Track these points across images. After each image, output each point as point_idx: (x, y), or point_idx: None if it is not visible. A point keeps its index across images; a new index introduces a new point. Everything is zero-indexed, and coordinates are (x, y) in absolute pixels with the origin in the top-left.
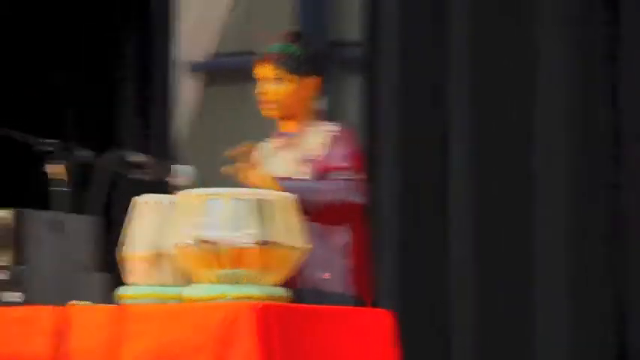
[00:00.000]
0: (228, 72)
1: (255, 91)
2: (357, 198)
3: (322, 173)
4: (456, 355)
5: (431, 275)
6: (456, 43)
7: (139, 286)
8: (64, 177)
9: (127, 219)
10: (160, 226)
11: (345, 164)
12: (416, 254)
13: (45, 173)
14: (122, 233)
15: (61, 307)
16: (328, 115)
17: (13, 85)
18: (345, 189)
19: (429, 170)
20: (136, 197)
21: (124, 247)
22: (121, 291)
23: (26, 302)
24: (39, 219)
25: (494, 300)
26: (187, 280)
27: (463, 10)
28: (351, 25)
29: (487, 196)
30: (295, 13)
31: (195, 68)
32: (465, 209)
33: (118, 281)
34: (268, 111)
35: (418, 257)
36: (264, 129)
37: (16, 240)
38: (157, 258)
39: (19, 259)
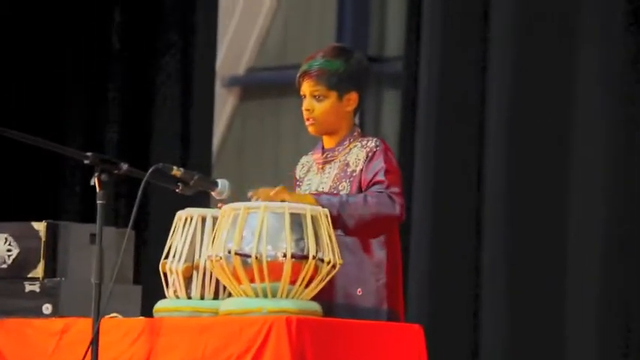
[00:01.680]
0: (263, 86)
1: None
2: (392, 212)
3: (360, 188)
4: None
5: (461, 290)
6: (496, 64)
7: (176, 299)
8: (101, 189)
9: (170, 232)
10: (199, 240)
11: (381, 179)
12: (447, 268)
13: (86, 185)
14: (166, 246)
15: (94, 320)
16: (366, 130)
17: (50, 96)
18: (380, 203)
19: (463, 186)
20: (179, 211)
21: (164, 260)
22: (158, 304)
23: (59, 314)
24: (73, 231)
25: (525, 317)
26: (224, 294)
27: (503, 32)
28: (389, 40)
29: (521, 213)
30: (336, 29)
31: (232, 82)
32: (499, 226)
33: (154, 294)
34: (309, 128)
35: (449, 272)
36: (298, 143)
37: (49, 252)
38: (195, 271)
39: (52, 271)
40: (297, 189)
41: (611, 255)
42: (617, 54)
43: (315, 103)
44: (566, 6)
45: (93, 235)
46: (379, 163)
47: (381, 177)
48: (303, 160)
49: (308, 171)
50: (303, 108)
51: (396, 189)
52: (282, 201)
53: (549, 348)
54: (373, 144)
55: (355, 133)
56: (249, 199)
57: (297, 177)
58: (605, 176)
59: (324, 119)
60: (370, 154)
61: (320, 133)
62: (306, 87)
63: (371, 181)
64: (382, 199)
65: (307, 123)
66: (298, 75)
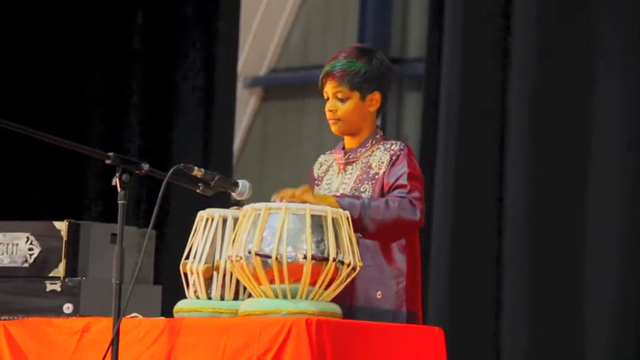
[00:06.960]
0: (285, 87)
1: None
2: (413, 217)
3: (382, 191)
4: None
5: (482, 293)
6: (518, 64)
7: (196, 299)
8: (122, 189)
9: (191, 232)
10: (220, 241)
11: (404, 183)
12: (467, 271)
13: (108, 185)
14: (186, 246)
15: (114, 319)
16: (388, 131)
17: (72, 97)
18: (401, 208)
19: (483, 189)
20: (200, 211)
21: (185, 260)
22: (178, 304)
23: (79, 314)
24: (94, 231)
25: (546, 319)
26: (244, 295)
27: (525, 32)
28: (411, 41)
29: (543, 216)
30: (358, 30)
31: (254, 82)
32: (519, 226)
33: (175, 294)
34: (332, 127)
35: (470, 274)
36: (320, 143)
37: (70, 252)
38: (215, 272)
39: (73, 270)
40: (316, 188)
41: (630, 261)
42: None
43: (338, 103)
44: (588, 7)
45: (114, 235)
46: (402, 167)
47: (403, 181)
48: (321, 158)
49: (327, 170)
50: (327, 109)
51: (417, 194)
52: (304, 202)
53: (570, 350)
54: (397, 147)
55: (378, 136)
56: (272, 201)
57: (316, 175)
58: (624, 191)
59: (348, 119)
60: (394, 158)
61: (343, 133)
62: (329, 88)
63: (393, 184)
64: (403, 204)
65: (330, 122)
66: (321, 76)
